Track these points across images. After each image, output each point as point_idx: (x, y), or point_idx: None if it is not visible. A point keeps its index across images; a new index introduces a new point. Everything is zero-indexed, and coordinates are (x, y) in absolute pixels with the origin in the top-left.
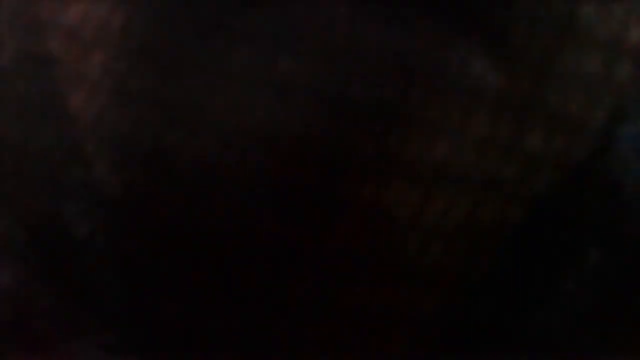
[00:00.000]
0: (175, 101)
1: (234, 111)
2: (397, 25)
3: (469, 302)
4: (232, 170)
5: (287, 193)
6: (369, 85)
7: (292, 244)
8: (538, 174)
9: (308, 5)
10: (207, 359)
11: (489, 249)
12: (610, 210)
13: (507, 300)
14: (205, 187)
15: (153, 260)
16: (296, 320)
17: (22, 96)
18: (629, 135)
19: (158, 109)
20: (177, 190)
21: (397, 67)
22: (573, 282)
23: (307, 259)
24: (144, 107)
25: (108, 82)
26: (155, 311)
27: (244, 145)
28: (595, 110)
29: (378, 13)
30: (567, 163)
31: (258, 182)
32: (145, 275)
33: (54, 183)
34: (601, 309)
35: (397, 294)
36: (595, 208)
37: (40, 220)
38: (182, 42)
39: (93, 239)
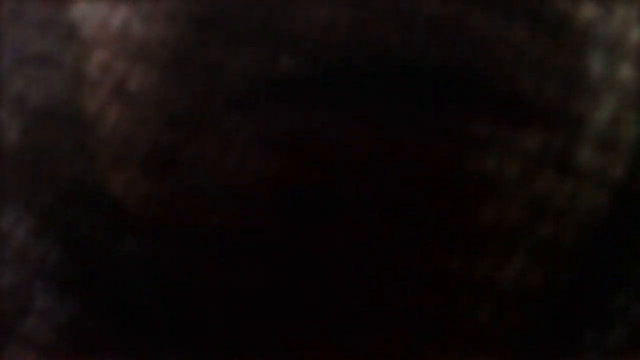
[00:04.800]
0: (175, 101)
1: (235, 111)
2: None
3: (545, 315)
4: (235, 173)
5: (289, 194)
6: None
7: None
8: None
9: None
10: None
11: (566, 267)
12: None
13: (583, 312)
14: (211, 191)
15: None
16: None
17: (23, 97)
18: None
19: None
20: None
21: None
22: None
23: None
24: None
25: (109, 82)
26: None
27: (246, 150)
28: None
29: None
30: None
31: (260, 184)
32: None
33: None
34: None
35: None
36: None
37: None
38: (182, 41)
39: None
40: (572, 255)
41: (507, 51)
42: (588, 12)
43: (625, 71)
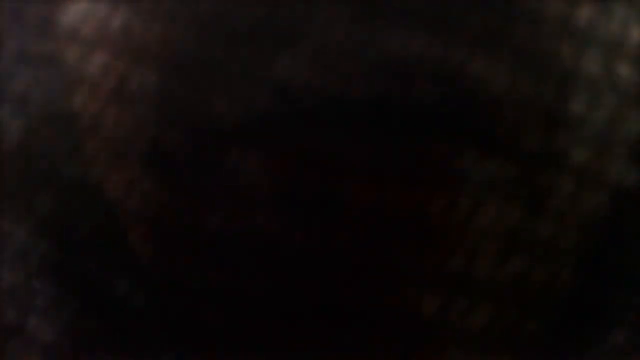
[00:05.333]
0: (176, 102)
1: (235, 111)
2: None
3: (547, 316)
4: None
5: (289, 196)
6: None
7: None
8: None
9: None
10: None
11: (566, 268)
12: None
13: (586, 315)
14: (209, 192)
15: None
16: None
17: (23, 97)
18: None
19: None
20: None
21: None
22: None
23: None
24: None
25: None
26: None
27: (246, 145)
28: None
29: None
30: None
31: (261, 185)
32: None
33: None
34: None
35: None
36: None
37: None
38: (182, 41)
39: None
40: (572, 255)
41: (506, 52)
42: (587, 12)
43: (624, 71)
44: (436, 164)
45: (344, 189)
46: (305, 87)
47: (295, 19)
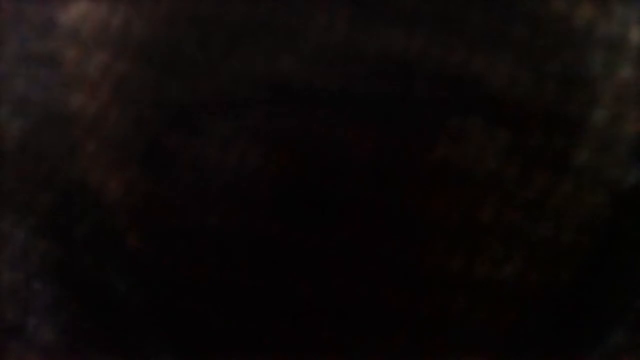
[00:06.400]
0: (175, 102)
1: (235, 111)
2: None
3: (544, 315)
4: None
5: (289, 194)
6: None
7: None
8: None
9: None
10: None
11: (565, 267)
12: None
13: (583, 314)
14: (208, 191)
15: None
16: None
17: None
18: None
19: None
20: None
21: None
22: None
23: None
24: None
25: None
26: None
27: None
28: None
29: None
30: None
31: (259, 184)
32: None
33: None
34: None
35: (471, 307)
36: None
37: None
38: (182, 41)
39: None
40: (572, 255)
41: (506, 52)
42: (588, 12)
43: (625, 71)
44: (436, 164)
45: (344, 187)
46: (305, 86)
47: (295, 19)
